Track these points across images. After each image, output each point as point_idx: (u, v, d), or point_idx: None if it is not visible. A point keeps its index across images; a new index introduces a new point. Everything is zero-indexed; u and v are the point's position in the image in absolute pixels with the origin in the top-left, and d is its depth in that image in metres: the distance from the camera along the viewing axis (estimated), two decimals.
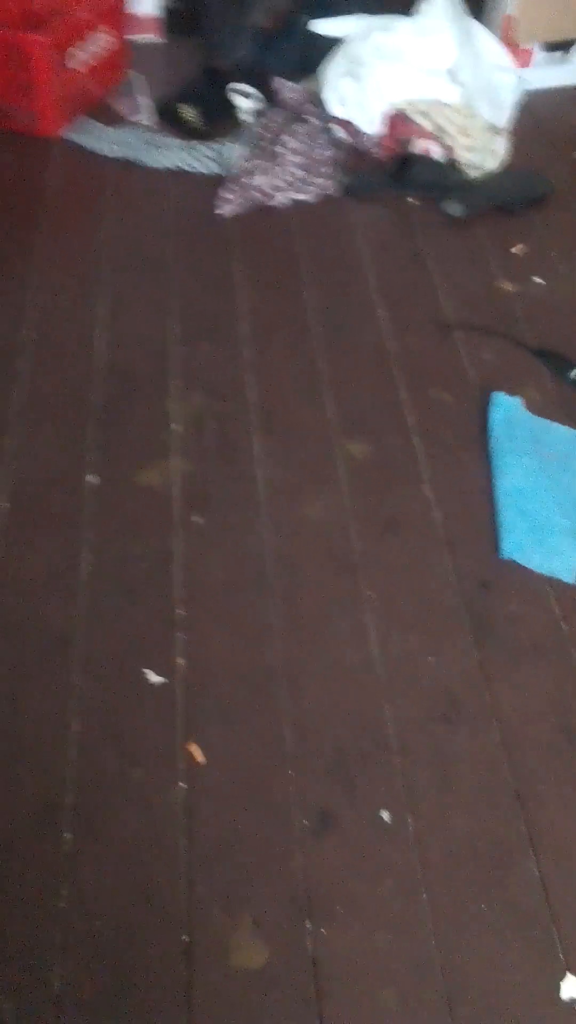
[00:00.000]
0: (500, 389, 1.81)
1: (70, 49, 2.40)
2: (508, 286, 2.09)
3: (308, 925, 1.15)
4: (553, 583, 1.52)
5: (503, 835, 1.24)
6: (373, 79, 2.36)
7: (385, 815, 1.24)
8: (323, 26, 2.60)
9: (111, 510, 1.60)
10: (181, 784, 1.26)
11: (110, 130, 2.48)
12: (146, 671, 1.38)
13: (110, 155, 2.42)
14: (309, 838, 1.22)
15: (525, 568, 1.53)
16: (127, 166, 2.40)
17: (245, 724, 1.33)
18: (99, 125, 2.50)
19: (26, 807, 1.23)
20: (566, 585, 1.52)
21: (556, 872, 1.20)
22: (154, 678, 1.37)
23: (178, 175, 2.37)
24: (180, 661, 1.40)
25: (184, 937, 1.13)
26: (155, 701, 1.35)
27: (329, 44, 2.53)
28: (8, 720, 1.32)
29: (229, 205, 2.24)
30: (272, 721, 1.34)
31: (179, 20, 2.89)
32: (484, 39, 2.48)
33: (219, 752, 1.30)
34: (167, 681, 1.37)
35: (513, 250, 2.19)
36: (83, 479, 1.64)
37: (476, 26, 2.49)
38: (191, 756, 1.29)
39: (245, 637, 1.44)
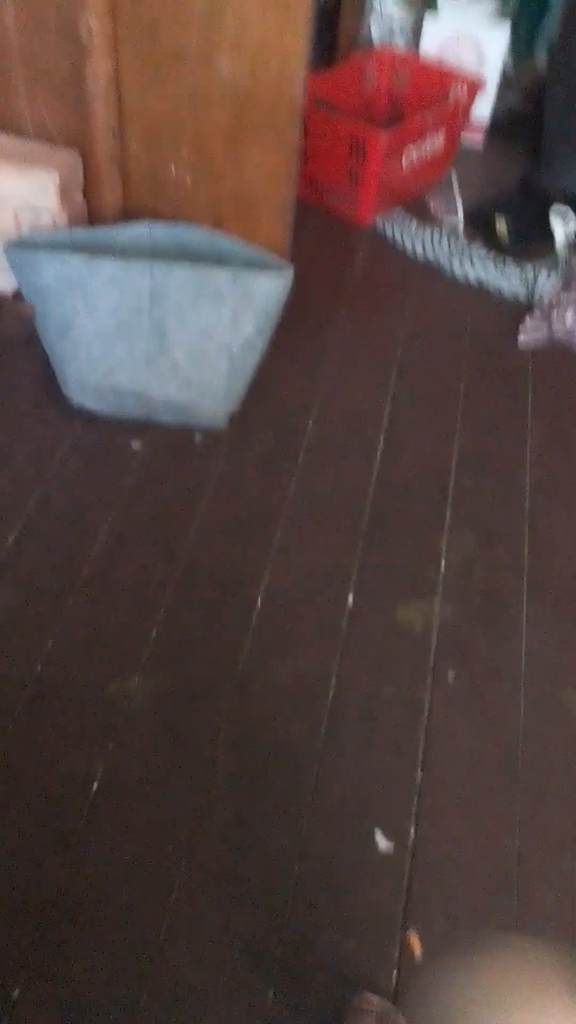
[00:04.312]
0: None
1: (408, 146, 2.41)
2: None
3: None
4: None
5: None
6: None
7: None
8: None
9: (366, 639, 1.55)
10: (394, 971, 1.19)
11: (421, 229, 2.48)
12: (376, 832, 1.32)
13: (417, 254, 2.41)
14: None
15: None
16: (431, 270, 2.38)
17: (469, 929, 1.24)
18: (412, 221, 2.50)
19: (237, 953, 1.19)
20: None
21: None
22: (383, 842, 1.31)
23: (480, 292, 2.34)
24: (411, 830, 1.32)
25: None
26: (380, 869, 1.28)
27: None
28: (237, 845, 1.29)
29: (531, 338, 2.18)
30: (500, 932, 1.24)
31: (507, 125, 2.85)
32: None
33: (438, 951, 1.21)
34: (396, 849, 1.30)
35: None
36: (345, 596, 1.60)
37: None
38: (410, 947, 1.21)
39: (483, 828, 1.34)
